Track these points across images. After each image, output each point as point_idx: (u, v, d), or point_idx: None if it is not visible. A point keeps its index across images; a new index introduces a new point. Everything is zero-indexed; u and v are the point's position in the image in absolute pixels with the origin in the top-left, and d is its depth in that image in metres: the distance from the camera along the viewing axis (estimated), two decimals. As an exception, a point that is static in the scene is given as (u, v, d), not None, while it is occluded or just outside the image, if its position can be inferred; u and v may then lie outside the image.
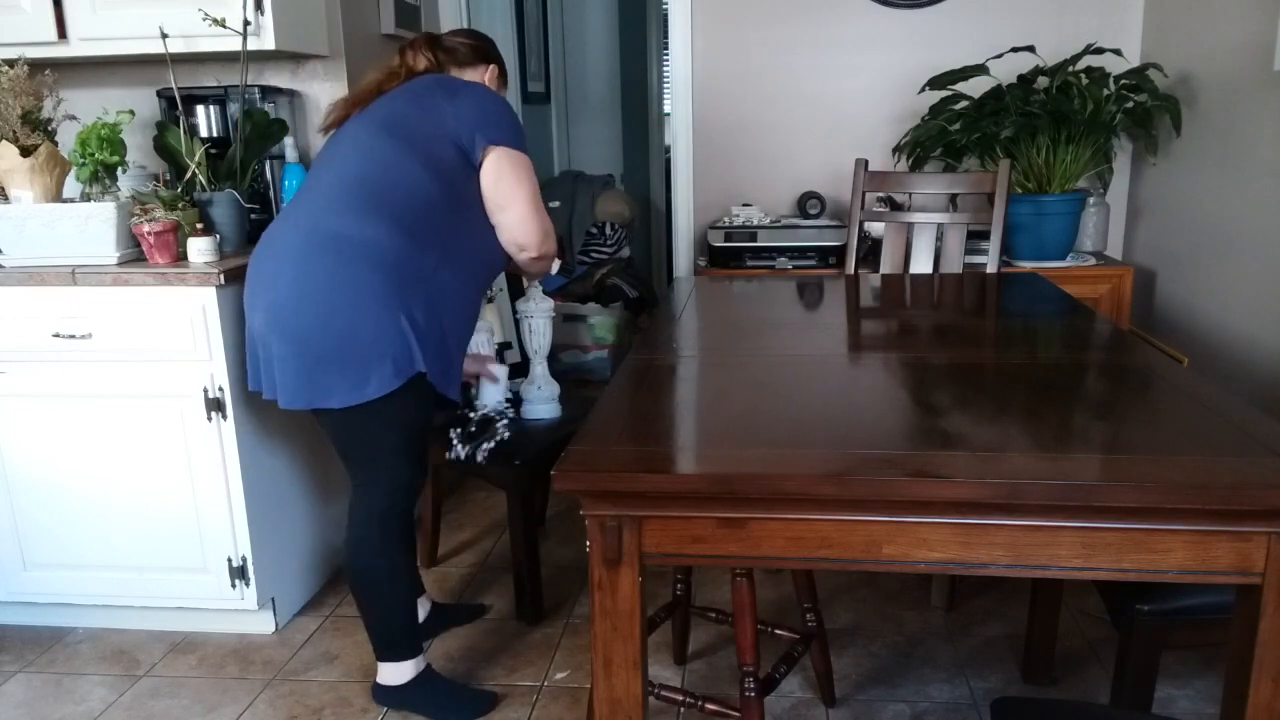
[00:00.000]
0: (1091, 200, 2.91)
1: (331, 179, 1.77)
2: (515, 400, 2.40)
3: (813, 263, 2.86)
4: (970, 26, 2.96)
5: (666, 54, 3.72)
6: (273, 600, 2.32)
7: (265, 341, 1.75)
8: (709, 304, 2.12)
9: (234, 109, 2.36)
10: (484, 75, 2.02)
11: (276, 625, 2.34)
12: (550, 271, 2.06)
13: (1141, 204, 2.96)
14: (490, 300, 2.37)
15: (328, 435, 1.86)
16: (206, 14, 2.15)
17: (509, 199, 1.83)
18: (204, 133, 2.40)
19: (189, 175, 2.23)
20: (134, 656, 2.25)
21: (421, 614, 2.18)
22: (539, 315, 2.26)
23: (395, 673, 1.95)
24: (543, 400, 2.35)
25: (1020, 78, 2.75)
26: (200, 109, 2.40)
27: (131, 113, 2.17)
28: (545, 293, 2.28)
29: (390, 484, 1.85)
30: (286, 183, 2.38)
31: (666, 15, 3.43)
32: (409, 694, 1.95)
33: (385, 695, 1.97)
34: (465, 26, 3.48)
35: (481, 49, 2.04)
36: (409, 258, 1.71)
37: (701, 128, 3.16)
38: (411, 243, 1.72)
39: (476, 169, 1.82)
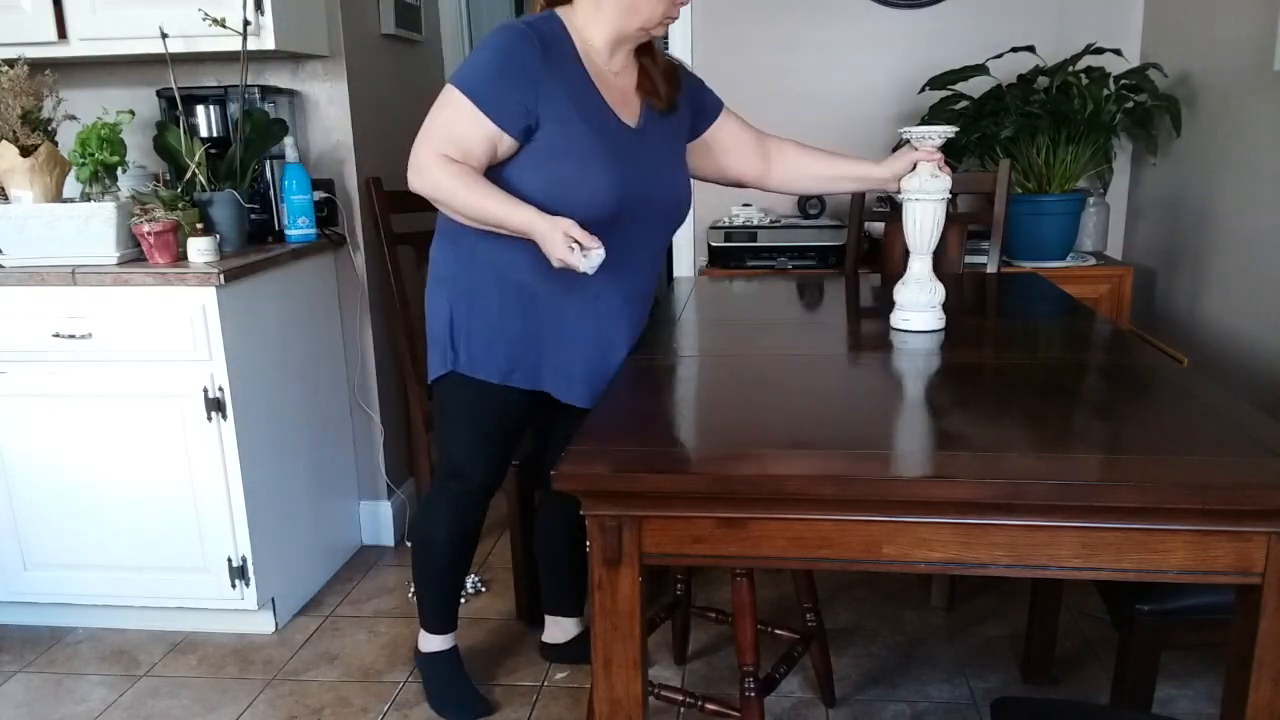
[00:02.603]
0: (1091, 200, 2.91)
1: None
2: None
3: (813, 263, 2.86)
4: (970, 27, 2.96)
5: (667, 54, 3.71)
6: (273, 600, 2.32)
7: None
8: (709, 304, 2.12)
9: (234, 109, 2.36)
10: None
11: (276, 625, 2.34)
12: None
13: (1141, 204, 2.96)
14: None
15: None
16: (206, 14, 2.15)
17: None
18: (204, 133, 2.39)
19: (189, 175, 2.23)
20: (134, 656, 2.25)
21: (577, 631, 2.17)
22: (926, 197, 1.74)
23: (423, 640, 2.04)
24: (919, 308, 1.77)
25: (1020, 78, 2.75)
26: (200, 109, 2.39)
27: (131, 113, 2.17)
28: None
29: (446, 463, 1.90)
30: (286, 182, 2.38)
31: (666, 15, 3.42)
32: (424, 666, 2.05)
33: (416, 657, 2.07)
34: (466, 26, 3.47)
35: None
36: (440, 247, 1.79)
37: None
38: (441, 237, 1.78)
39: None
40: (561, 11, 1.67)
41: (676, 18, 1.68)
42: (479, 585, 2.53)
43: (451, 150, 1.58)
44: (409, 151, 1.62)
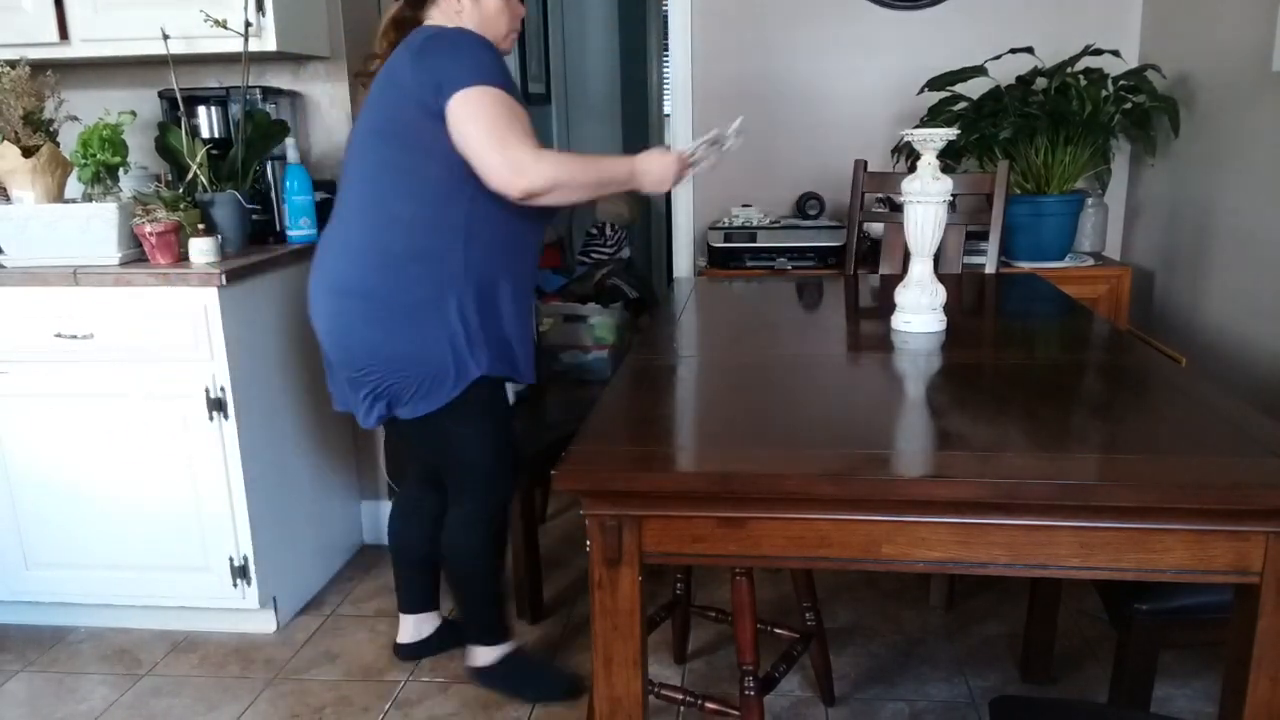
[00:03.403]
0: (1090, 201, 2.91)
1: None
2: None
3: (812, 263, 2.86)
4: (969, 28, 2.97)
5: (666, 55, 3.73)
6: (274, 599, 2.33)
7: None
8: (709, 304, 2.13)
9: (235, 110, 2.36)
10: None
11: (278, 624, 2.35)
12: (573, 202, 1.74)
13: (1140, 204, 2.97)
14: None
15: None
16: (208, 15, 2.15)
17: (468, 149, 1.63)
18: (205, 133, 2.40)
19: (190, 176, 2.23)
20: (135, 656, 2.25)
21: (430, 630, 2.17)
22: (927, 200, 1.73)
23: (482, 655, 2.03)
24: (920, 310, 1.77)
25: (1019, 79, 2.76)
26: (202, 110, 2.40)
27: (133, 113, 2.18)
28: (545, 294, 2.22)
29: (480, 478, 1.93)
30: (288, 183, 2.38)
31: (666, 16, 3.43)
32: (497, 674, 2.03)
33: (478, 675, 2.05)
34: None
35: None
36: (410, 277, 1.79)
37: (701, 128, 3.17)
38: (413, 260, 1.80)
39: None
40: (440, 19, 1.77)
41: (519, 35, 1.82)
42: None
43: (529, 139, 1.62)
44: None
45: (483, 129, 1.60)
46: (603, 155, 1.68)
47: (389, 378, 1.73)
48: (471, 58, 1.64)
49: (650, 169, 1.73)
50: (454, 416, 1.77)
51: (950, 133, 1.70)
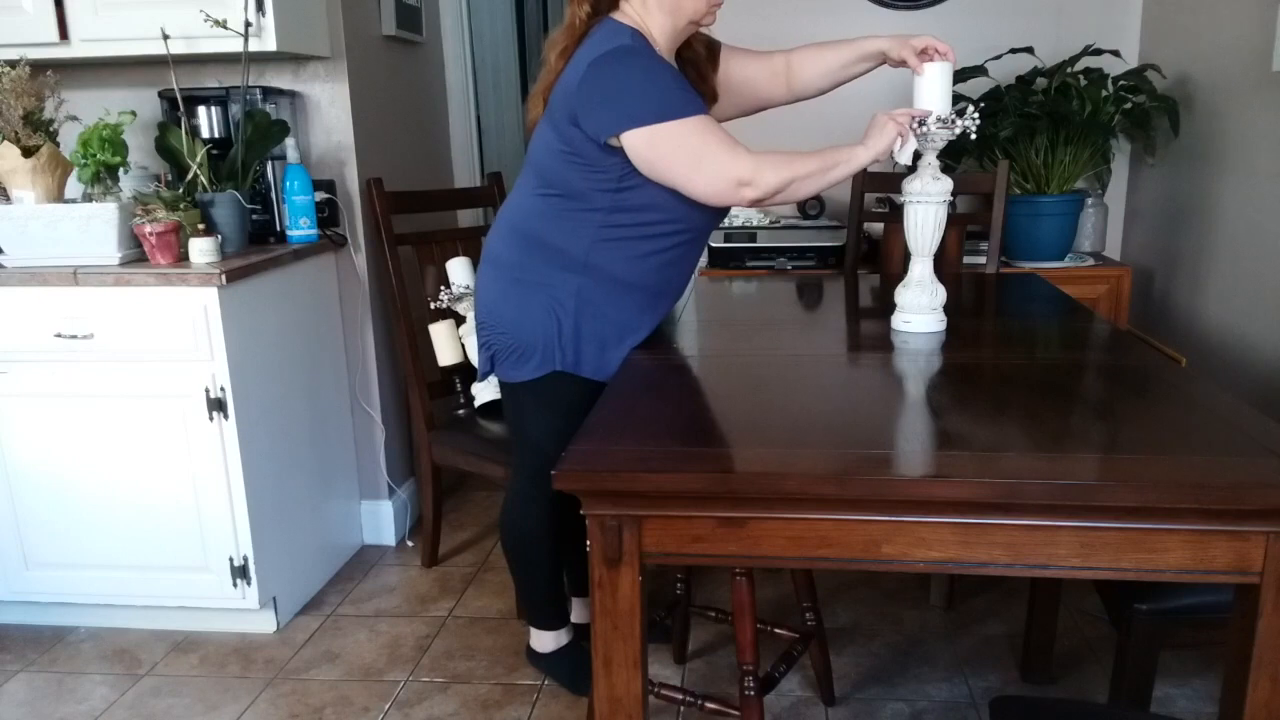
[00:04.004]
0: (1090, 201, 2.91)
1: None
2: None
3: (812, 263, 2.86)
4: (969, 28, 2.97)
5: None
6: (274, 599, 2.33)
7: None
8: (709, 304, 2.13)
9: (235, 110, 2.36)
10: None
11: (278, 624, 2.35)
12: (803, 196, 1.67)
13: (1139, 204, 2.97)
14: None
15: None
16: (208, 15, 2.15)
17: (669, 180, 1.61)
18: (205, 133, 2.40)
19: (190, 176, 2.23)
20: (135, 656, 2.25)
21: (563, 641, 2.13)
22: (927, 200, 1.73)
23: (539, 639, 2.06)
24: (920, 310, 1.77)
25: (1019, 79, 2.76)
26: (202, 110, 2.40)
27: (133, 113, 2.18)
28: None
29: (538, 460, 1.91)
30: (288, 183, 2.38)
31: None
32: (550, 661, 2.06)
33: (532, 658, 2.09)
34: (466, 27, 3.47)
35: None
36: (524, 251, 1.79)
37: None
38: (526, 242, 1.79)
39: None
40: (624, 20, 1.65)
41: (720, 4, 1.71)
42: None
43: (730, 149, 1.56)
44: (410, 152, 1.63)
45: (672, 166, 1.57)
46: (831, 149, 1.63)
47: (494, 336, 1.80)
48: (633, 88, 1.56)
49: (883, 126, 1.65)
50: (534, 394, 1.80)
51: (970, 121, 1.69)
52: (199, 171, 2.22)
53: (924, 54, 1.75)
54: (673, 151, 1.56)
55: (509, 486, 2.00)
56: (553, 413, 1.81)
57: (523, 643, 2.27)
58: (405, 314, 2.49)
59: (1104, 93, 2.65)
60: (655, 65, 1.60)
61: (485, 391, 2.39)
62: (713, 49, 1.89)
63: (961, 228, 2.47)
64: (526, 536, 1.96)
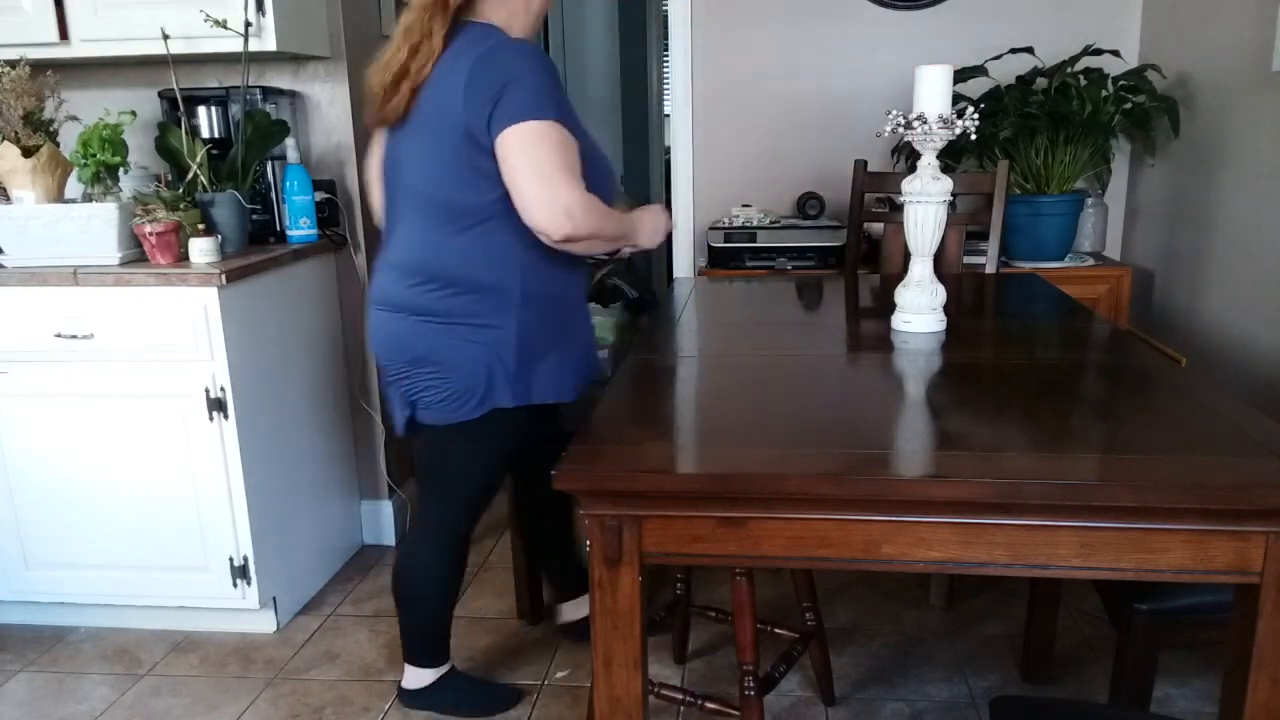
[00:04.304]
0: (1090, 201, 2.91)
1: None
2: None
3: (812, 263, 2.86)
4: (969, 28, 2.97)
5: (666, 55, 3.72)
6: (274, 599, 2.33)
7: None
8: (709, 304, 2.13)
9: (235, 110, 2.36)
10: None
11: (278, 624, 2.35)
12: (606, 253, 1.76)
13: (1140, 205, 2.97)
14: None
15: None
16: (208, 15, 2.15)
17: (514, 182, 1.56)
18: (205, 133, 2.40)
19: (190, 176, 2.23)
20: (135, 656, 2.25)
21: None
22: (927, 200, 1.73)
23: (418, 676, 1.98)
24: (920, 310, 1.76)
25: (1019, 79, 2.76)
26: (202, 110, 2.40)
27: (133, 113, 2.18)
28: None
29: (458, 505, 1.91)
30: (288, 183, 2.38)
31: (666, 16, 3.43)
32: (431, 695, 1.99)
33: (409, 697, 2.00)
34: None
35: None
36: (466, 300, 1.76)
37: (701, 128, 3.17)
38: (470, 290, 1.76)
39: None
40: (495, 22, 1.63)
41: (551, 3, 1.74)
42: None
43: (578, 181, 1.55)
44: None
45: (532, 166, 1.52)
46: (619, 213, 1.67)
47: (422, 383, 1.71)
48: (535, 81, 1.54)
49: (644, 224, 1.77)
50: (468, 433, 1.74)
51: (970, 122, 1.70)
52: (199, 171, 2.22)
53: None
54: (545, 154, 1.52)
55: (416, 529, 1.94)
56: (489, 447, 1.79)
57: (522, 642, 2.27)
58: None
59: (1104, 93, 2.65)
60: (549, 68, 1.59)
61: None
62: None
63: (961, 228, 2.47)
64: (427, 577, 1.89)
